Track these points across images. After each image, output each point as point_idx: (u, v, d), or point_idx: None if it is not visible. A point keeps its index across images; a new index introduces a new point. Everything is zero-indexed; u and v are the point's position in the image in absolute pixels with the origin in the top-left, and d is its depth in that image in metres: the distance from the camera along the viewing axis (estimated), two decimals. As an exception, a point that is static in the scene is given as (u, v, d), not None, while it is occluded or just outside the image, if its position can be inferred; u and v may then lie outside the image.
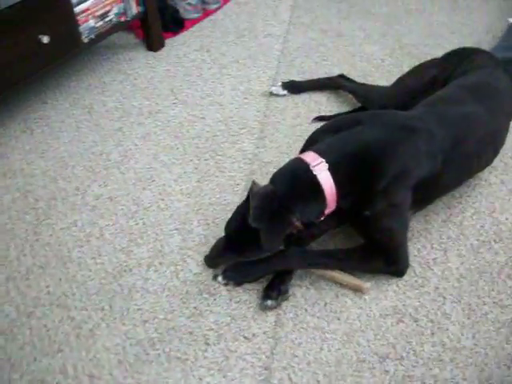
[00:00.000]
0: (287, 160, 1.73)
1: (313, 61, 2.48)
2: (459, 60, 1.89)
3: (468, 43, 2.37)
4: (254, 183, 1.47)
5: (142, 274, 1.64)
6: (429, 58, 2.11)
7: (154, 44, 2.59)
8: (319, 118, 2.12)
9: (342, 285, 1.55)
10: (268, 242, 1.38)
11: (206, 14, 2.84)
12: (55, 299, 1.58)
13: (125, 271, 1.64)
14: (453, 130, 1.56)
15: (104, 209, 1.84)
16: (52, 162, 2.03)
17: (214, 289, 1.58)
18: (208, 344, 1.46)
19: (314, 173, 1.41)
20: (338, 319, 1.49)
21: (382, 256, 1.52)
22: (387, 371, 1.38)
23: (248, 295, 1.56)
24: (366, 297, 1.53)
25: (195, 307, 1.54)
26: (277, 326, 1.49)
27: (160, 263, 1.66)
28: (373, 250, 1.53)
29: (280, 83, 2.29)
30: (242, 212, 1.45)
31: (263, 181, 1.64)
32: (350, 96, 2.21)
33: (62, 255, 1.70)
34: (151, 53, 2.58)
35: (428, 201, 1.67)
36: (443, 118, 1.57)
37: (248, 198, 1.46)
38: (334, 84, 2.26)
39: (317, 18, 2.77)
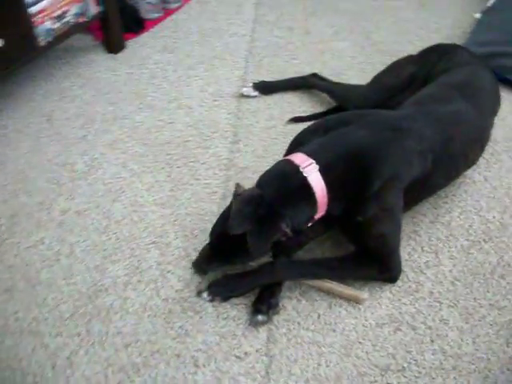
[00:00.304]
0: (264, 164, 1.66)
1: (282, 60, 2.39)
2: (438, 56, 1.84)
3: (437, 39, 2.33)
4: (238, 186, 1.37)
5: (120, 293, 1.51)
6: (400, 54, 2.06)
7: (114, 46, 2.45)
8: (295, 119, 2.03)
9: (335, 295, 1.47)
10: (255, 247, 1.28)
11: (167, 13, 2.71)
12: (26, 326, 1.43)
13: (100, 291, 1.51)
14: (442, 128, 1.50)
15: (72, 224, 1.70)
16: (12, 175, 1.87)
17: (200, 306, 1.47)
18: (197, 366, 1.35)
19: (305, 174, 1.32)
20: (334, 331, 1.41)
21: (376, 263, 1.45)
22: (390, 384, 1.31)
23: (236, 311, 1.46)
24: (361, 306, 1.46)
25: (180, 327, 1.43)
26: (270, 342, 1.39)
27: (138, 281, 1.54)
28: (365, 257, 1.45)
29: (251, 84, 2.19)
30: (227, 217, 1.35)
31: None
32: (324, 95, 2.13)
33: (30, 277, 1.55)
34: (112, 55, 2.43)
35: (417, 202, 1.61)
36: (432, 116, 1.51)
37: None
38: (308, 83, 2.18)
39: (282, 16, 2.68)
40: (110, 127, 2.07)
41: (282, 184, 1.33)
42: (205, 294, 1.46)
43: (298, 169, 1.33)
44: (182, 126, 2.06)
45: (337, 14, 2.70)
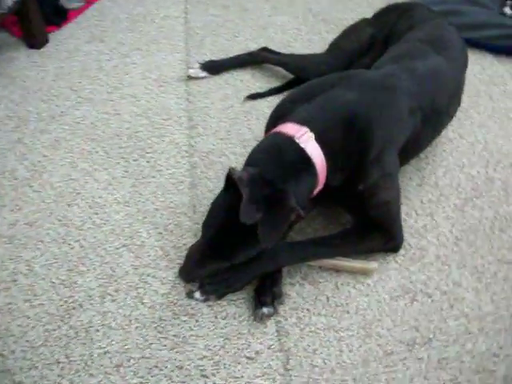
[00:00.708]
0: (229, 146, 1.51)
1: (224, 38, 2.22)
2: (397, 15, 1.75)
3: (380, 3, 2.26)
4: (232, 169, 1.17)
5: (97, 307, 1.29)
6: (345, 23, 1.97)
7: (36, 40, 2.17)
8: (253, 96, 1.88)
9: (339, 271, 1.34)
10: (268, 237, 1.11)
11: (90, 2, 2.46)
12: (-11, 364, 1.19)
13: (74, 309, 1.29)
14: (426, 84, 1.40)
15: (25, 238, 1.45)
16: None
17: (193, 308, 1.29)
18: (205, 376, 1.17)
19: (301, 145, 1.17)
20: (348, 312, 1.27)
21: (379, 233, 1.33)
22: (420, 358, 1.19)
23: (235, 307, 1.29)
24: (369, 281, 1.33)
25: (176, 335, 1.24)
26: (281, 335, 1.23)
27: (116, 290, 1.33)
28: (367, 229, 1.33)
29: (198, 65, 2.01)
30: (223, 206, 1.17)
31: (208, 173, 1.39)
32: (277, 69, 1.99)
33: (-16, 305, 1.30)
34: (35, 50, 2.16)
35: (404, 163, 1.50)
36: (414, 73, 1.40)
37: (227, 187, 1.18)
38: (258, 58, 2.02)
39: (214, -5, 2.51)
40: (48, 126, 1.82)
41: (279, 158, 1.17)
42: (197, 294, 1.28)
43: (293, 139, 1.18)
44: (129, 117, 1.85)
45: (270, -12, 2.56)
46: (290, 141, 1.17)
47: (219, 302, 1.29)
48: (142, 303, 1.31)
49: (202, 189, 1.58)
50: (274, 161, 1.16)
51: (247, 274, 1.28)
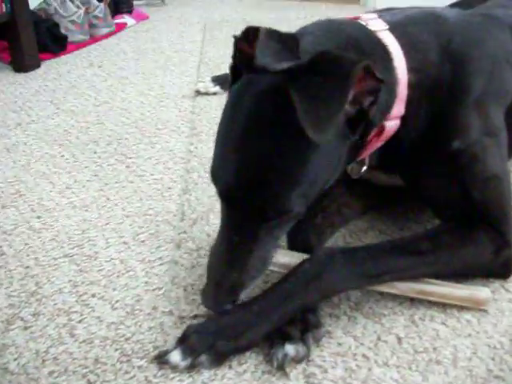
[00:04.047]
0: None
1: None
2: None
3: None
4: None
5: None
6: None
7: (25, 64, 1.78)
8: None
9: (424, 301, 0.74)
10: (317, 119, 0.51)
11: (95, 39, 2.11)
12: None
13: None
14: None
15: None
16: None
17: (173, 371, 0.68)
18: None
19: (379, 35, 0.69)
20: (438, 363, 0.65)
21: (487, 233, 0.73)
22: None
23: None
24: (467, 315, 0.73)
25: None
26: (317, 397, 0.62)
27: (34, 314, 0.75)
28: (469, 225, 0.74)
29: (209, 78, 1.56)
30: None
31: (207, 176, 0.90)
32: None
33: None
34: (22, 73, 1.77)
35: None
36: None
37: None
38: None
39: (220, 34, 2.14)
40: (9, 132, 1.35)
41: (350, 44, 0.65)
42: (175, 356, 0.65)
43: (370, 30, 0.69)
44: (114, 126, 1.37)
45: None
46: (368, 30, 0.69)
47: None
48: (72, 336, 0.71)
49: (197, 194, 1.04)
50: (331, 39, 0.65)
51: (270, 316, 0.65)
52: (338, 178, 0.67)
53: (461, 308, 0.73)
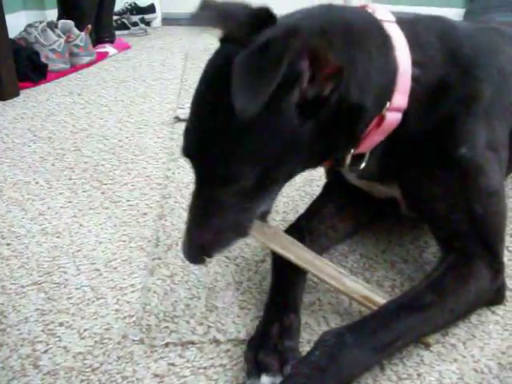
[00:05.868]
0: None
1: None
2: None
3: None
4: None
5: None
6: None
7: (3, 92, 1.76)
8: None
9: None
10: (245, 93, 0.51)
11: (76, 68, 2.10)
12: None
13: None
14: None
15: None
16: None
17: (130, 376, 0.65)
18: None
19: (385, 26, 0.67)
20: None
21: (482, 259, 0.71)
22: None
23: (207, 379, 0.65)
24: (452, 339, 0.70)
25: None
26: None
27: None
28: (468, 251, 0.72)
29: (189, 104, 1.55)
30: None
31: (184, 202, 0.88)
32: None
33: None
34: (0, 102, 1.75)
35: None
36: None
37: None
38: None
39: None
40: (-20, 159, 1.32)
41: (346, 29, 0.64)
42: None
43: (369, 13, 0.69)
44: (90, 153, 1.35)
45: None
46: (362, 13, 0.69)
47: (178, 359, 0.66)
48: (36, 367, 0.68)
49: (172, 219, 1.02)
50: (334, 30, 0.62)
51: None
52: (332, 180, 0.66)
53: (445, 332, 0.71)
